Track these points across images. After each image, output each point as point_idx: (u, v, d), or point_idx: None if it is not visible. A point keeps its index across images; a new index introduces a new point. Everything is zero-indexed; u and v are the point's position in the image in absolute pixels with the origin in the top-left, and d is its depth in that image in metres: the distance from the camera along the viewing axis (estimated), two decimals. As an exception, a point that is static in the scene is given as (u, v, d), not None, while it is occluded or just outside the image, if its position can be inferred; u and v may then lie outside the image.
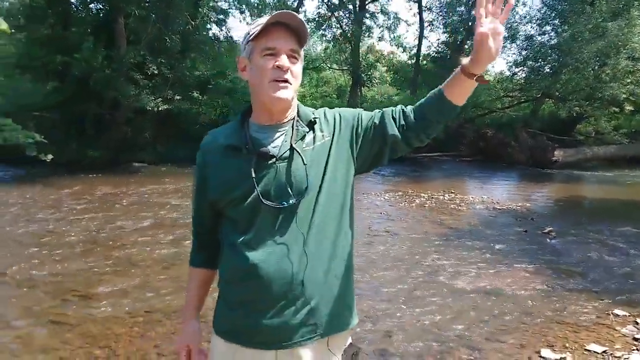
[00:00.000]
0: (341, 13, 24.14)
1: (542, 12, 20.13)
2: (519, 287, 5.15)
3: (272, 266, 1.38)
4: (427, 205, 9.81)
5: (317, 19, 24.05)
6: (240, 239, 1.42)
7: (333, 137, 1.48)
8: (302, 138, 1.45)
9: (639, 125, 21.49)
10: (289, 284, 1.38)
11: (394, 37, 26.60)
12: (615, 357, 3.61)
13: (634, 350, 3.71)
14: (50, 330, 3.94)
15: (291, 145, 1.42)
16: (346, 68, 25.63)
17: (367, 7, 23.88)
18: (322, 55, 28.19)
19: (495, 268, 5.77)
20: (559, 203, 11.15)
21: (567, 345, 3.81)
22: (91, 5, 16.55)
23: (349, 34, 23.41)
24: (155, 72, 15.26)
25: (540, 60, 19.60)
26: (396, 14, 26.81)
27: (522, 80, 21.17)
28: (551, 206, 10.83)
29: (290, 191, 1.39)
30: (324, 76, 29.71)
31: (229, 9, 19.90)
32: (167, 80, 15.44)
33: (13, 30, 13.31)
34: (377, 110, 1.54)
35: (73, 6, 16.07)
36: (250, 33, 1.40)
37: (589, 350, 3.71)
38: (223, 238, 1.51)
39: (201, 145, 1.55)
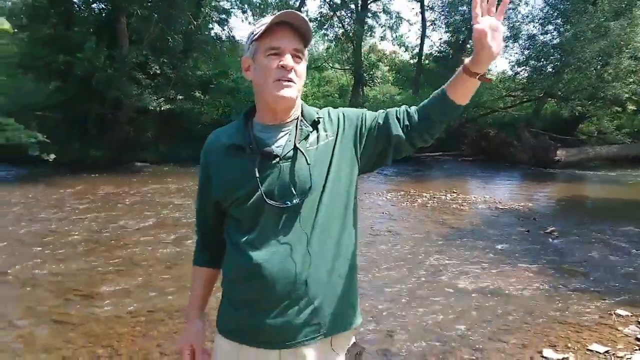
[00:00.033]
0: (343, 12, 24.14)
1: (544, 11, 20.12)
2: (521, 287, 5.14)
3: (275, 266, 1.37)
4: (429, 205, 9.81)
5: (319, 18, 24.03)
6: (244, 239, 1.42)
7: (337, 137, 1.48)
8: (306, 138, 1.45)
9: (641, 124, 21.47)
10: (292, 283, 1.38)
11: (396, 37, 26.60)
12: (618, 357, 3.60)
13: (636, 350, 3.70)
14: (53, 330, 3.94)
15: (295, 145, 1.42)
16: (348, 67, 25.60)
17: (369, 6, 23.87)
18: (324, 54, 28.15)
19: (497, 268, 5.77)
20: (561, 203, 11.14)
21: (569, 345, 3.81)
22: (93, 5, 16.61)
23: (351, 34, 23.40)
24: (158, 71, 15.29)
25: (542, 59, 19.60)
26: (398, 13, 26.61)
27: (525, 80, 21.16)
28: (553, 206, 10.82)
29: (293, 191, 1.39)
30: (325, 76, 29.67)
31: (231, 8, 19.93)
32: (170, 80, 15.47)
33: (16, 30, 13.34)
34: (381, 111, 1.54)
35: (75, 6, 16.13)
36: (254, 33, 1.40)
37: (591, 351, 3.70)
38: (227, 237, 1.51)
39: (205, 144, 1.55)
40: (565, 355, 3.61)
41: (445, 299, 4.77)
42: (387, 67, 28.73)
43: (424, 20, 23.88)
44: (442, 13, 24.00)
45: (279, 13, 1.35)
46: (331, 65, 28.10)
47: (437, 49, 25.25)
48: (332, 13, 24.07)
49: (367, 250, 6.30)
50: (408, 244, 6.76)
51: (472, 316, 4.39)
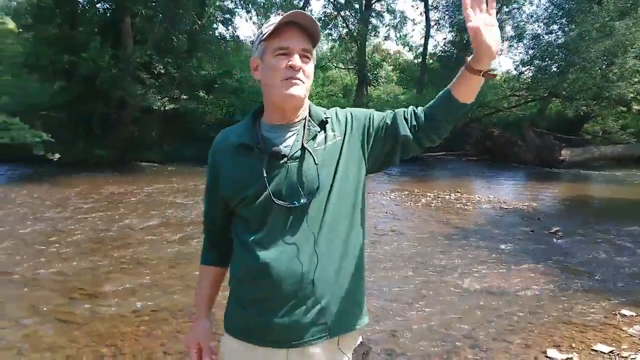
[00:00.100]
0: (347, 12, 24.12)
1: (549, 11, 20.08)
2: (526, 287, 5.13)
3: (283, 265, 1.38)
4: (433, 204, 9.80)
5: (323, 18, 24.00)
6: (252, 238, 1.43)
7: (344, 137, 1.48)
8: (314, 138, 1.45)
9: (646, 124, 21.41)
10: (299, 283, 1.38)
11: (400, 36, 26.53)
12: (622, 357, 3.59)
13: (641, 350, 3.69)
14: (57, 329, 3.96)
15: (302, 145, 1.42)
16: (352, 67, 25.59)
17: (373, 6, 23.86)
18: (328, 54, 28.13)
19: (501, 268, 5.76)
20: (565, 202, 11.10)
21: (573, 345, 3.80)
22: (98, 5, 16.64)
23: (355, 33, 23.39)
24: (162, 71, 15.32)
25: (547, 59, 19.53)
26: (402, 13, 26.65)
27: (529, 79, 21.09)
28: (558, 206, 10.78)
29: (301, 191, 1.39)
30: (330, 75, 29.66)
31: (236, 8, 19.98)
32: (174, 80, 15.49)
33: (21, 30, 13.43)
34: (389, 111, 1.55)
35: (80, 6, 16.17)
36: (263, 33, 1.41)
37: (595, 351, 3.70)
38: (235, 237, 1.52)
39: (213, 144, 1.56)
40: (570, 356, 3.60)
41: (449, 299, 4.77)
42: (391, 67, 28.67)
43: (428, 19, 23.87)
44: (447, 13, 23.99)
45: (287, 13, 1.35)
46: (335, 64, 28.09)
47: (441, 48, 25.31)
48: (336, 13, 24.06)
49: (371, 250, 6.29)
50: (412, 244, 6.75)
51: (476, 316, 4.38)
